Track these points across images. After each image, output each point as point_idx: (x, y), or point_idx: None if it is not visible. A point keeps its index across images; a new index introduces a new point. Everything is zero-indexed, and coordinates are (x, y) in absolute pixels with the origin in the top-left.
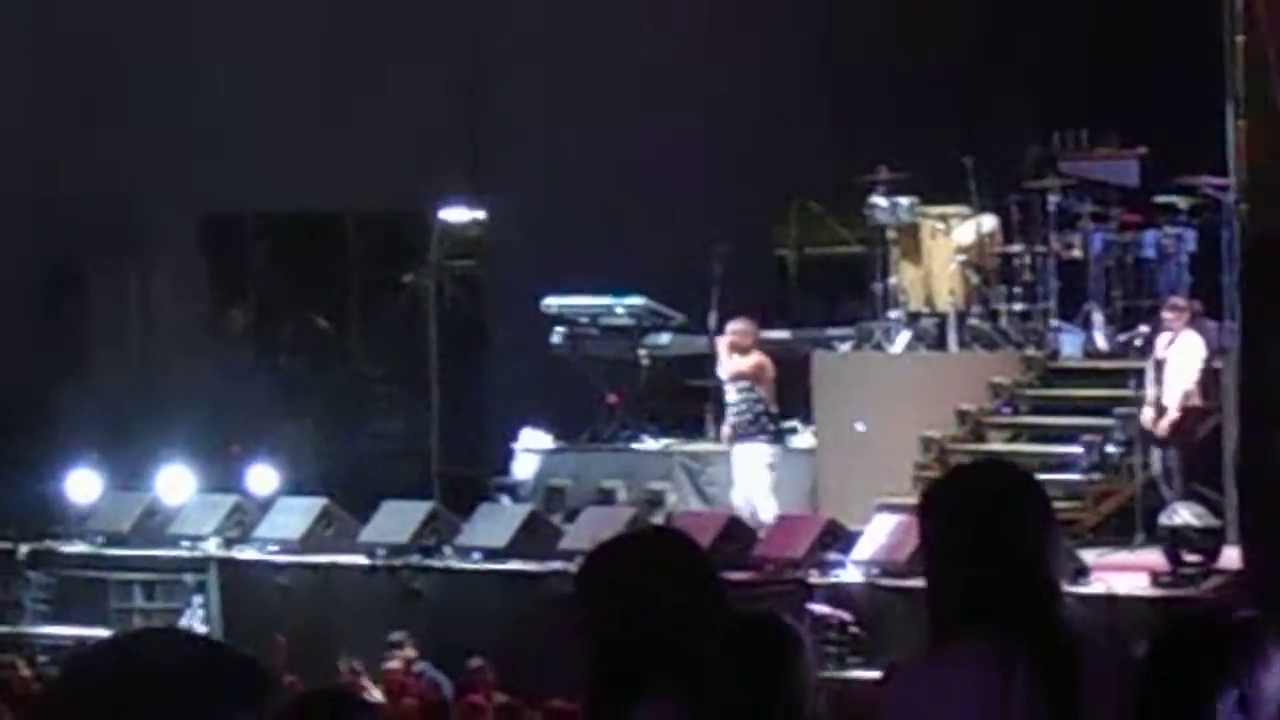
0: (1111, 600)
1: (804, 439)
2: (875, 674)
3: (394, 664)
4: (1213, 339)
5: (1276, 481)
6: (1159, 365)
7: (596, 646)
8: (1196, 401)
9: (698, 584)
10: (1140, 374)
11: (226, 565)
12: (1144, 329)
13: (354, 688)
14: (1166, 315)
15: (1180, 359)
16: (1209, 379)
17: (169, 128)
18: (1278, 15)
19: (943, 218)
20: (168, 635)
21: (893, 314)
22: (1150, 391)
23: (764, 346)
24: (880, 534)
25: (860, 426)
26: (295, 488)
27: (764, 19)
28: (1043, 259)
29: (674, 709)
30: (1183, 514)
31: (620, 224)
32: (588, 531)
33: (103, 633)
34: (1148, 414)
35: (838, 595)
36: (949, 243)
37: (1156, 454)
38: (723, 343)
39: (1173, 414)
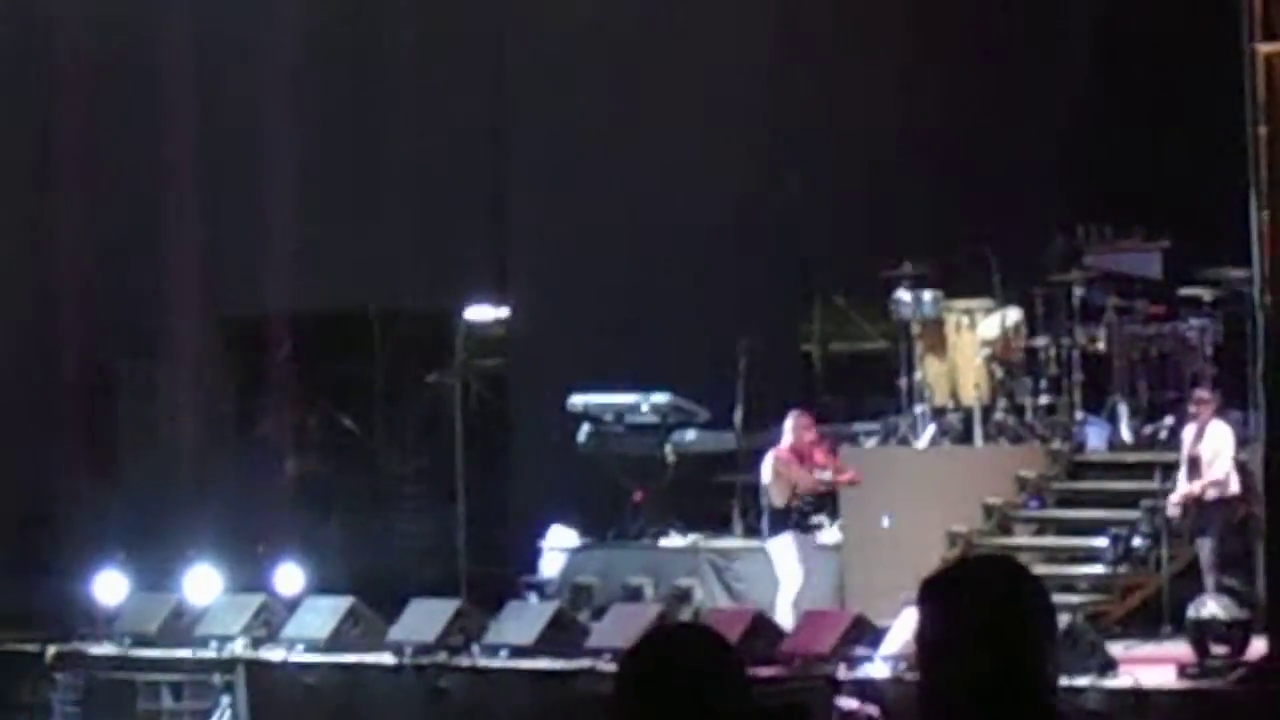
0: (1139, 693)
1: (830, 535)
2: None
3: None
4: (1238, 430)
5: None
6: (1193, 462)
7: None
8: (1235, 489)
9: (735, 685)
10: (1166, 467)
11: (254, 666)
12: (1169, 421)
13: None
14: (1193, 408)
15: (1213, 449)
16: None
17: (191, 225)
18: None
19: (967, 311)
20: None
21: (918, 409)
22: (1183, 487)
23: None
24: (907, 628)
25: (886, 521)
26: (322, 587)
27: (790, 113)
28: (1068, 352)
29: None
30: (1210, 606)
31: (645, 320)
32: (615, 629)
33: None
34: (1176, 511)
35: (865, 690)
36: (974, 337)
37: (1204, 543)
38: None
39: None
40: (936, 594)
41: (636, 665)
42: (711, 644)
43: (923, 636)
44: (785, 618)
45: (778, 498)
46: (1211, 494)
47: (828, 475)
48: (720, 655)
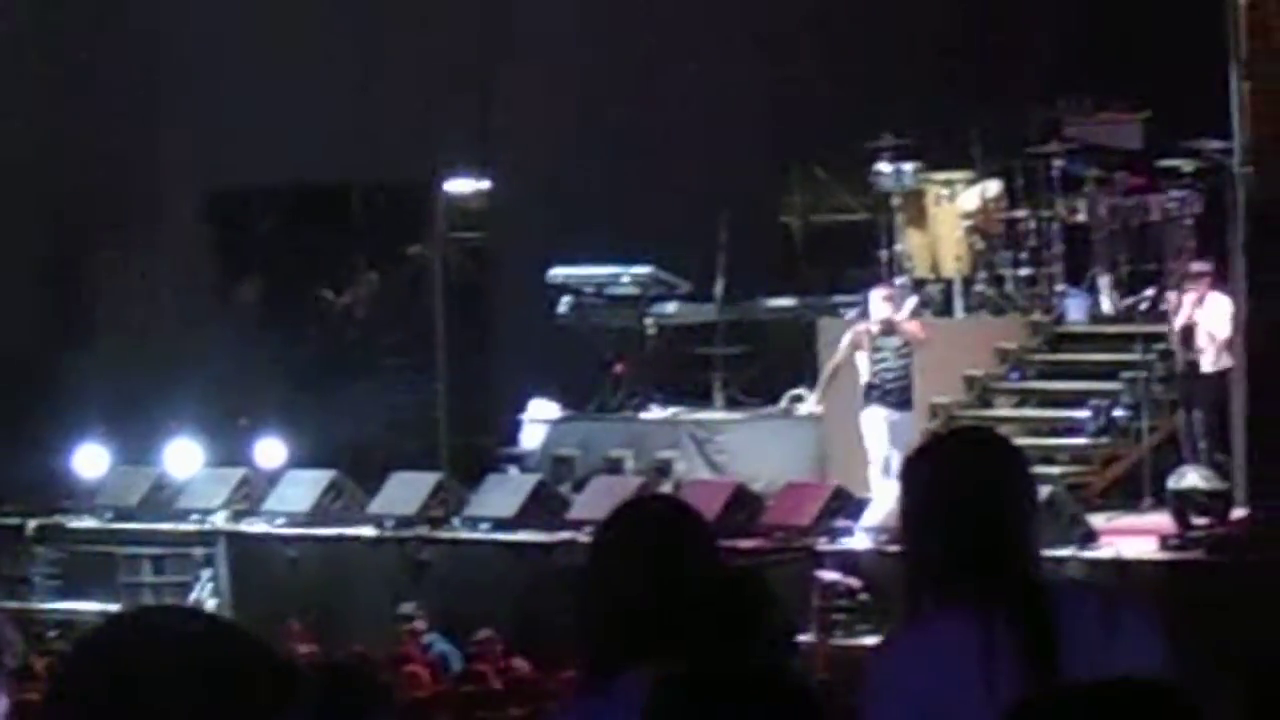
0: (1120, 564)
1: (811, 407)
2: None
3: (404, 637)
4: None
5: None
6: (1187, 331)
7: (604, 612)
8: (1227, 362)
9: (702, 552)
10: (1147, 338)
11: (235, 538)
12: (1149, 292)
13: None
14: (1189, 279)
15: (1211, 320)
16: None
17: (171, 99)
18: None
19: (947, 184)
20: (180, 612)
21: (898, 280)
22: (1180, 356)
23: (769, 314)
24: (887, 500)
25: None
26: (303, 460)
27: None
28: (1048, 224)
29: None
30: (1190, 477)
31: (625, 193)
32: (596, 501)
33: (111, 608)
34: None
35: (846, 562)
36: (954, 209)
37: (1195, 415)
38: (879, 295)
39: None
40: (920, 467)
41: (607, 534)
42: (679, 512)
43: (906, 509)
44: (876, 491)
45: (863, 373)
46: (1207, 364)
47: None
48: (687, 523)
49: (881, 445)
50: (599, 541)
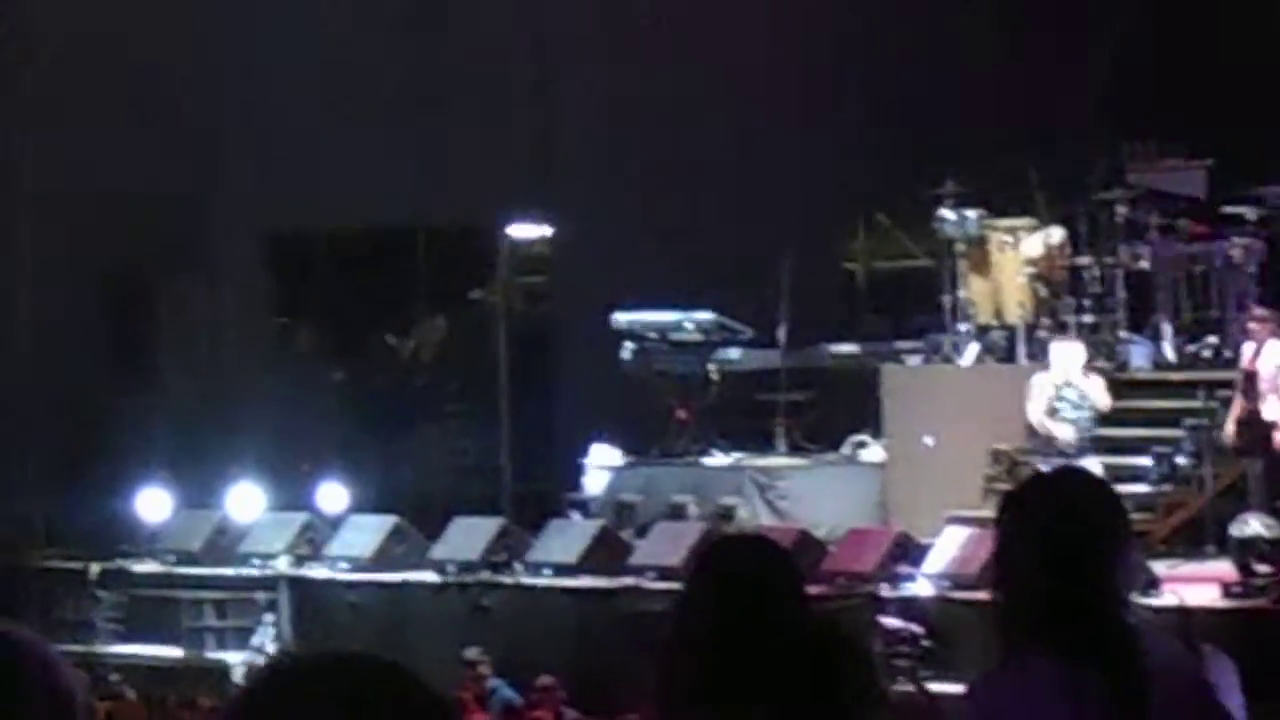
0: (1183, 612)
1: (874, 453)
2: (947, 687)
3: (467, 683)
4: None
5: None
6: (1250, 378)
7: (694, 646)
8: None
9: (794, 595)
10: (1210, 386)
11: (297, 583)
12: (1212, 340)
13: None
14: (1252, 326)
15: (1275, 368)
16: None
17: (235, 139)
18: None
19: (1011, 230)
20: (347, 658)
21: (961, 327)
22: (1238, 405)
23: (832, 360)
24: (950, 547)
25: (929, 440)
26: (366, 505)
27: (831, 29)
28: (1111, 271)
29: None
30: (1253, 525)
31: (688, 238)
32: (658, 547)
33: (175, 652)
34: (1231, 428)
35: (909, 608)
36: (1017, 255)
37: (1255, 463)
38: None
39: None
40: (1022, 506)
41: (702, 576)
42: (772, 554)
43: (1005, 547)
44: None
45: None
46: (1270, 412)
47: None
48: (781, 565)
49: None
50: (693, 578)
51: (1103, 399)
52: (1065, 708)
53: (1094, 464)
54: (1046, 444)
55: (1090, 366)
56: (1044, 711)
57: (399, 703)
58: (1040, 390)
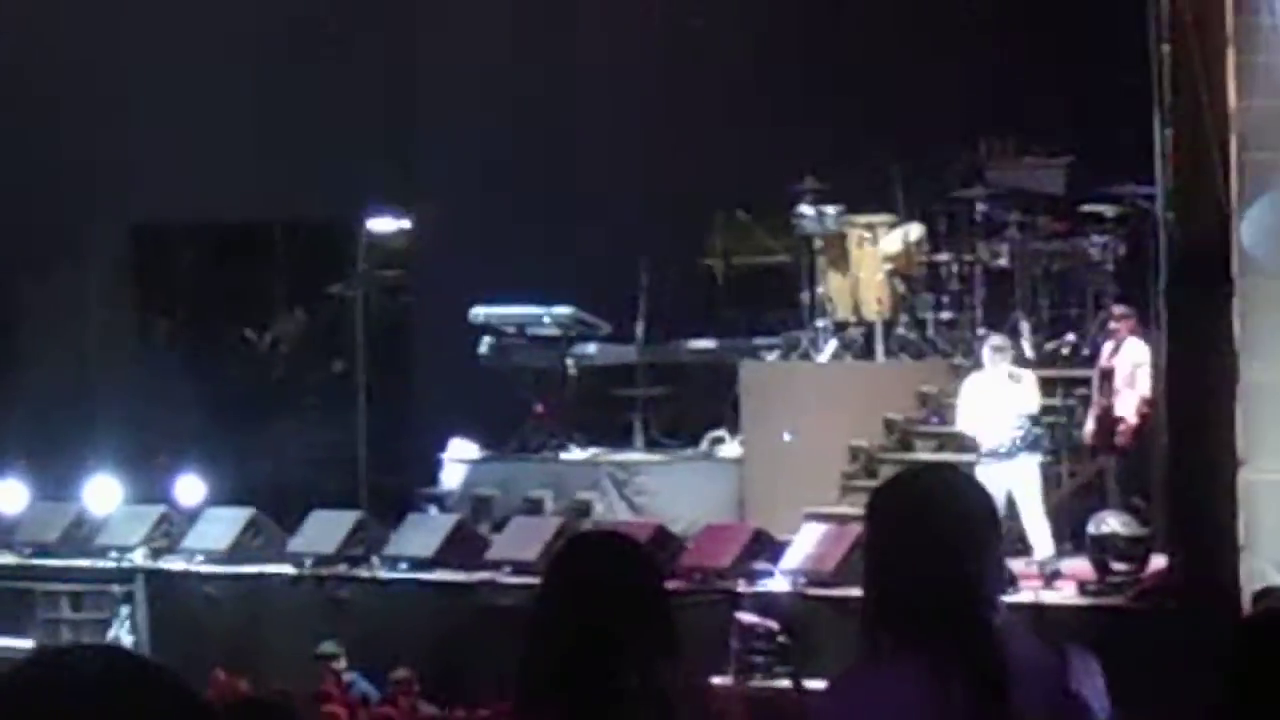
0: (1039, 609)
1: (731, 449)
2: (806, 683)
3: (324, 676)
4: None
5: (1202, 490)
6: (1106, 375)
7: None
8: (1147, 409)
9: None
10: (1068, 383)
11: (154, 576)
12: (1071, 337)
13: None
14: (1112, 324)
15: (1131, 366)
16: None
17: (100, 133)
18: (1204, 22)
19: (869, 227)
20: (101, 653)
21: (819, 323)
22: (1098, 402)
23: (690, 356)
24: (808, 543)
25: (788, 436)
26: (222, 498)
27: (695, 27)
28: (970, 267)
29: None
30: (1110, 523)
31: (547, 233)
32: (515, 541)
33: (28, 644)
34: (1090, 426)
35: (766, 604)
36: (876, 252)
37: (1111, 459)
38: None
39: (1133, 420)
40: (891, 501)
41: (557, 574)
42: (627, 551)
43: (875, 544)
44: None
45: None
46: (1131, 408)
47: None
48: (635, 562)
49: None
50: (548, 575)
51: (1032, 398)
52: (928, 706)
53: (1031, 463)
54: (976, 445)
55: (1021, 364)
56: (906, 710)
57: (149, 699)
58: (970, 392)
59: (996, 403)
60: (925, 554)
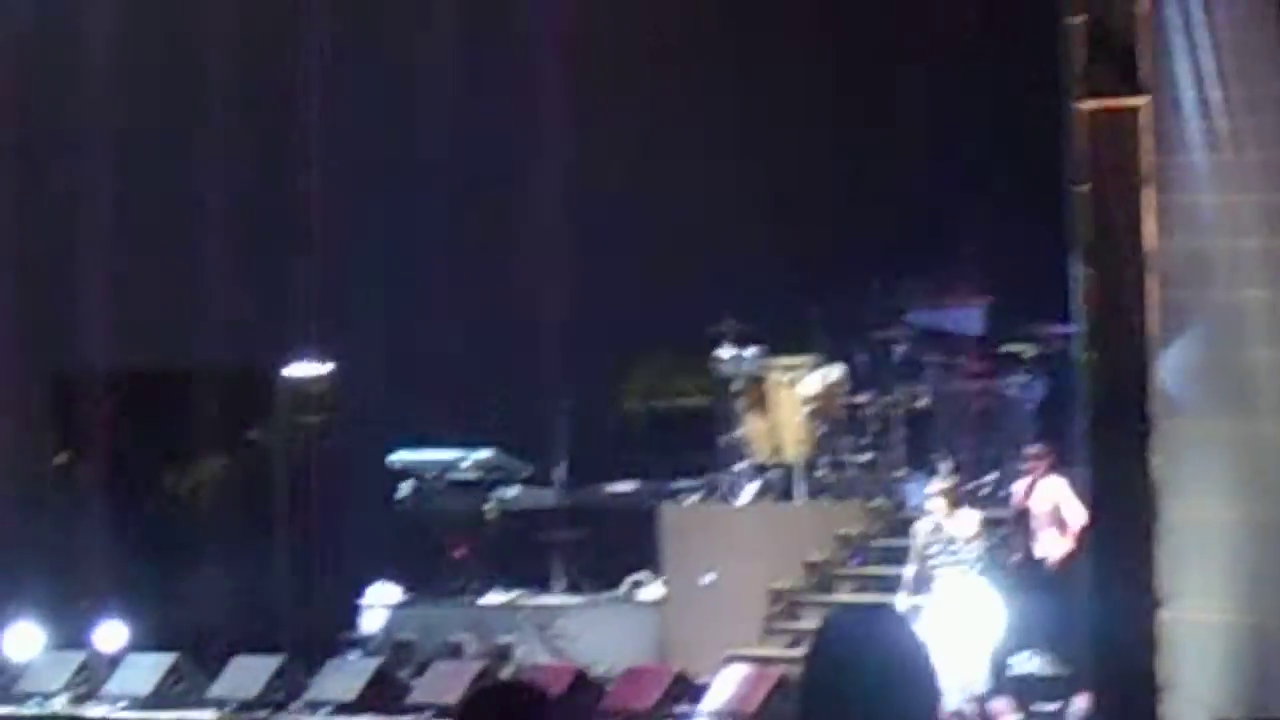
0: None
1: (652, 591)
2: None
3: None
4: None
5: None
6: (1022, 515)
7: None
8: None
9: None
10: (988, 523)
11: None
12: (990, 478)
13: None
14: (1027, 464)
15: (1049, 504)
16: None
17: (14, 278)
18: (1123, 162)
19: (789, 368)
20: None
21: (738, 466)
22: (1017, 541)
23: (610, 499)
24: (729, 684)
25: (708, 579)
26: (145, 642)
27: (611, 173)
28: (890, 408)
29: None
30: (1031, 662)
31: (468, 378)
32: (436, 685)
33: None
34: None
35: None
36: (796, 393)
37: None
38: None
39: (1054, 560)
40: (829, 642)
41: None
42: (532, 699)
43: (803, 689)
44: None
45: None
46: (1045, 549)
47: None
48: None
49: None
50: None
51: (972, 526)
52: None
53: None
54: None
55: (959, 501)
56: None
57: None
58: (917, 539)
59: (938, 548)
60: (857, 699)
